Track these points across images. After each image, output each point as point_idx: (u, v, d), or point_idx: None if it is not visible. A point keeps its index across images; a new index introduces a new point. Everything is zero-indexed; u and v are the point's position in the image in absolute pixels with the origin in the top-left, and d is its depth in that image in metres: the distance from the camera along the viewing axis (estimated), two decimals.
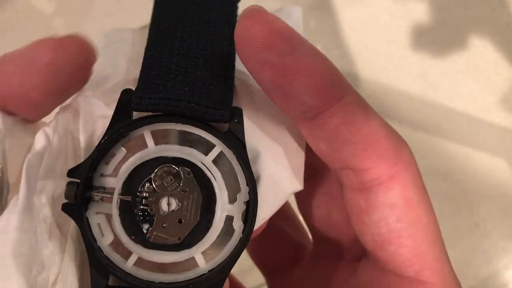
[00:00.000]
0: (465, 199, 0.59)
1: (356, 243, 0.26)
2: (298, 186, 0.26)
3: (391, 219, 0.23)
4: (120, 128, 0.23)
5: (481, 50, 0.58)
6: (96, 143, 0.23)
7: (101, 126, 0.25)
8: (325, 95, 0.22)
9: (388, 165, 0.23)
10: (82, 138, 0.25)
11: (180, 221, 0.23)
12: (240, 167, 0.23)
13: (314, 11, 0.59)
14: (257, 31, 0.21)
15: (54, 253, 0.24)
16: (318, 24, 0.60)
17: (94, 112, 0.25)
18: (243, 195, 0.23)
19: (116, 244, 0.23)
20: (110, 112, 0.24)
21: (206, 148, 0.24)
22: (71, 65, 0.22)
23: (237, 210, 0.23)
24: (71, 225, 0.25)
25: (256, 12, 0.21)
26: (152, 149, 0.23)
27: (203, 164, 0.23)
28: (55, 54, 0.22)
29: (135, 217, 0.23)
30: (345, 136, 0.22)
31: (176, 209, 0.23)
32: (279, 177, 0.26)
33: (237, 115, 0.24)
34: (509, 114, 0.55)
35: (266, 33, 0.21)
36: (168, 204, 0.23)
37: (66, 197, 0.22)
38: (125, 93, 0.23)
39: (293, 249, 0.34)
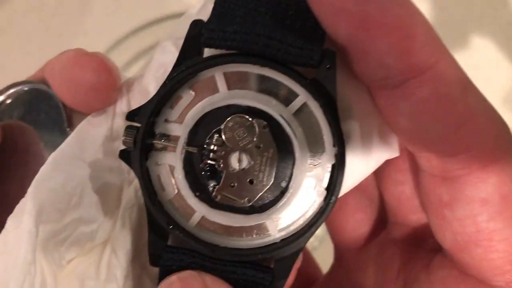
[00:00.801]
0: None
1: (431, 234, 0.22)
2: (395, 151, 0.22)
3: (482, 217, 0.19)
4: (188, 66, 0.19)
5: (482, 49, 0.57)
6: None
7: None
8: (415, 58, 0.18)
9: (484, 153, 0.19)
10: (152, 87, 0.22)
11: (251, 182, 0.20)
12: (327, 123, 0.20)
13: None
14: None
15: (106, 211, 0.22)
16: None
17: (166, 59, 0.22)
18: (328, 157, 0.20)
19: (178, 200, 0.20)
20: None
21: (287, 97, 0.20)
22: (108, 86, 0.23)
23: (319, 174, 0.20)
24: (128, 179, 0.23)
25: None
26: (223, 95, 0.20)
27: (282, 117, 0.20)
28: (98, 76, 0.22)
29: (201, 172, 0.20)
30: (434, 112, 0.18)
31: (247, 167, 0.20)
32: (372, 140, 0.21)
33: (329, 58, 0.19)
34: (511, 113, 0.54)
35: None
36: (239, 161, 0.20)
37: (124, 143, 0.20)
38: (195, 25, 0.19)
39: (303, 280, 0.30)
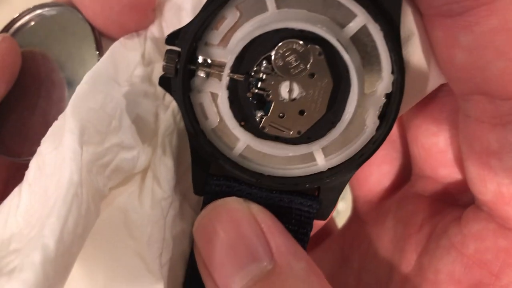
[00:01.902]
0: None
1: (463, 188, 0.22)
2: (443, 78, 0.20)
3: None
4: None
5: None
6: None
7: None
8: None
9: None
10: (189, 7, 0.21)
11: (301, 112, 0.19)
12: (386, 49, 0.18)
13: None
14: None
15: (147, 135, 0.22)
16: None
17: None
18: (385, 85, 0.18)
19: (222, 129, 0.19)
20: None
21: (345, 17, 0.18)
22: (145, 3, 0.21)
23: (374, 103, 0.19)
24: (163, 104, 0.22)
25: None
26: (272, 15, 0.18)
27: (339, 42, 0.18)
28: None
29: (247, 100, 0.19)
30: (499, 45, 0.16)
31: (298, 97, 0.19)
32: (428, 66, 0.20)
33: None
34: None
35: None
36: (290, 91, 0.19)
37: (164, 69, 0.19)
38: None
39: (319, 232, 0.29)
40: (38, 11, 0.25)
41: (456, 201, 0.23)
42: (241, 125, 0.19)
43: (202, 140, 0.19)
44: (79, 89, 0.20)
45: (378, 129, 0.19)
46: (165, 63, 0.19)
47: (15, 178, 0.23)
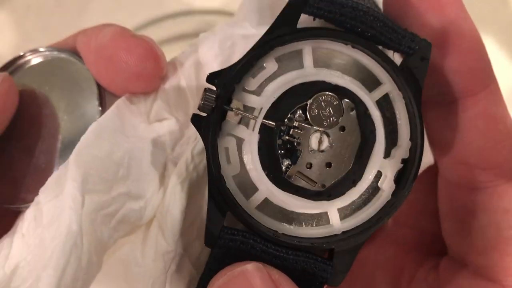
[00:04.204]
0: None
1: (438, 239, 0.24)
2: (432, 158, 0.23)
3: (503, 224, 0.21)
4: (284, 34, 0.18)
5: None
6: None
7: (242, 48, 0.21)
8: (476, 78, 0.20)
9: (511, 169, 0.21)
10: (216, 63, 0.21)
11: (328, 165, 0.19)
12: (407, 116, 0.19)
13: None
14: None
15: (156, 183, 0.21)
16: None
17: (234, 31, 0.21)
18: (403, 151, 0.19)
19: (243, 176, 0.19)
20: (255, 31, 0.20)
21: (372, 83, 0.19)
22: (153, 75, 0.21)
23: (391, 167, 0.19)
24: (172, 156, 0.22)
25: None
26: (309, 70, 0.19)
27: (371, 100, 0.19)
28: (144, 63, 0.20)
29: (275, 148, 0.19)
30: (480, 128, 0.20)
31: (327, 149, 0.19)
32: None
33: (424, 50, 0.18)
34: (511, 113, 0.54)
35: None
36: (320, 142, 0.19)
37: (201, 107, 0.18)
38: None
39: None
40: (45, 53, 0.23)
41: (433, 249, 0.25)
42: (265, 174, 0.19)
43: (223, 186, 0.19)
44: (84, 138, 0.20)
45: (394, 193, 0.19)
46: (203, 102, 0.18)
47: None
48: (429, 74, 0.18)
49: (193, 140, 0.22)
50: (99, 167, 0.19)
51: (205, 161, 0.20)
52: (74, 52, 0.23)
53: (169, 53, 0.23)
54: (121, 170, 0.20)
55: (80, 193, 0.18)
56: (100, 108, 0.22)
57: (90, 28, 0.22)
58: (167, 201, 0.21)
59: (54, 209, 0.18)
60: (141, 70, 0.20)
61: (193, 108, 0.22)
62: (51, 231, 0.18)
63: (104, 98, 0.22)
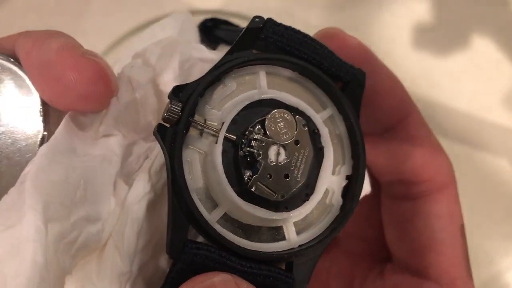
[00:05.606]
0: (467, 199, 0.59)
1: (383, 247, 0.27)
2: (369, 188, 0.27)
3: (436, 228, 0.24)
4: (244, 57, 0.20)
5: (483, 49, 0.57)
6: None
7: (199, 70, 0.22)
8: (399, 112, 0.25)
9: (441, 180, 0.25)
10: (176, 83, 0.21)
11: (286, 176, 0.20)
12: (348, 136, 0.22)
13: (313, 10, 0.59)
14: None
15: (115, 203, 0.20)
16: (318, 23, 0.59)
17: (192, 54, 0.22)
18: (346, 168, 0.22)
19: (204, 190, 0.20)
20: (211, 55, 0.22)
21: (318, 105, 0.22)
22: (103, 96, 0.20)
23: (338, 183, 0.21)
24: (121, 171, 0.21)
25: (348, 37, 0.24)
26: (264, 90, 0.21)
27: (320, 119, 0.21)
28: (94, 87, 0.19)
29: (236, 161, 0.20)
30: (408, 151, 0.25)
31: (284, 161, 0.20)
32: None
33: (360, 78, 0.22)
34: (511, 113, 0.54)
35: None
36: (277, 154, 0.20)
37: (165, 119, 0.19)
38: (257, 19, 0.21)
39: None
40: None
41: (379, 258, 0.28)
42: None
43: (187, 198, 0.19)
44: (37, 162, 0.18)
45: (342, 208, 0.21)
46: (168, 114, 0.19)
47: None
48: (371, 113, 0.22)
49: (144, 159, 0.22)
50: (58, 192, 0.18)
51: (163, 180, 0.21)
52: (10, 56, 0.20)
53: None
54: (78, 192, 0.19)
55: (43, 223, 0.17)
56: (41, 118, 0.21)
57: (34, 31, 0.20)
58: (123, 221, 0.20)
59: (12, 240, 0.17)
60: (91, 92, 0.19)
61: (143, 126, 0.22)
62: (11, 266, 0.16)
63: (48, 112, 0.21)
